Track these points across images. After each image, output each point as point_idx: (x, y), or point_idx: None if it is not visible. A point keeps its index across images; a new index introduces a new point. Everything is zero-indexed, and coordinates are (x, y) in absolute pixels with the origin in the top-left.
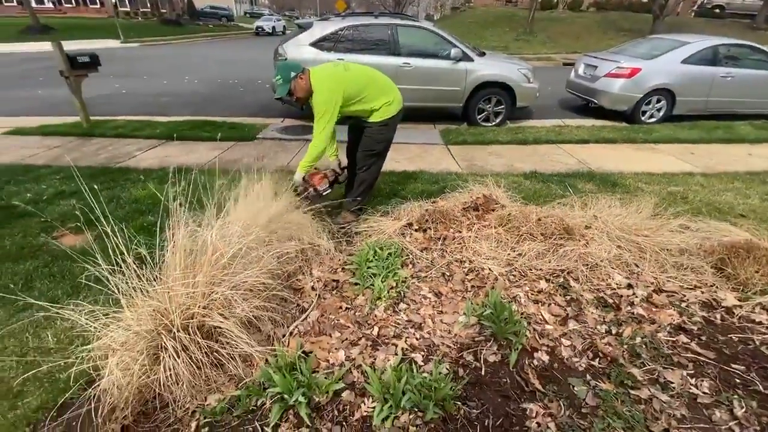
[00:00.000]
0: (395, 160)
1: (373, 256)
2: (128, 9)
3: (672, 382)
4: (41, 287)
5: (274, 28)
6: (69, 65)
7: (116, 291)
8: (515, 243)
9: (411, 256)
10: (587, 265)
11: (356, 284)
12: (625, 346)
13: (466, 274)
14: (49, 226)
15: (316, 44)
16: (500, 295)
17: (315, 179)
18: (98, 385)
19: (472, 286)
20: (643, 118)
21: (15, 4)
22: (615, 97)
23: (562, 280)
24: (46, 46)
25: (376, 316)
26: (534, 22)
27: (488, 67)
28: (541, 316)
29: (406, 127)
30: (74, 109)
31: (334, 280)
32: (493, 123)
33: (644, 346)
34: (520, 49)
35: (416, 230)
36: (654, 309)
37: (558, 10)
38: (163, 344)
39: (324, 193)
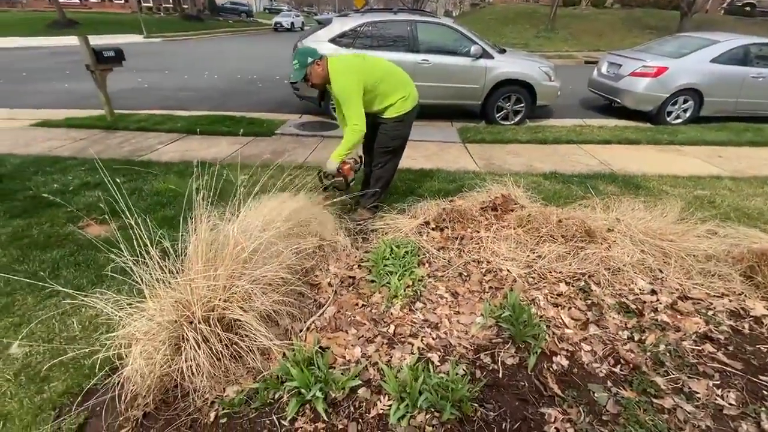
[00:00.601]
0: (412, 158)
1: (390, 254)
2: (151, 5)
3: (697, 392)
4: (67, 275)
5: (292, 23)
6: (95, 59)
7: (140, 282)
8: (535, 245)
9: (428, 255)
10: (609, 269)
11: (372, 282)
12: (648, 354)
13: (484, 275)
14: (74, 216)
15: (335, 40)
16: (519, 297)
17: (345, 169)
18: (122, 373)
19: (490, 287)
20: (668, 119)
21: None
22: (639, 97)
23: (582, 283)
24: (71, 40)
25: (392, 314)
26: (556, 18)
27: (508, 65)
28: (560, 320)
29: (423, 124)
30: (99, 103)
31: (350, 277)
32: (513, 121)
33: (668, 354)
34: (540, 46)
35: (433, 229)
36: (679, 316)
37: (581, 7)
38: (185, 335)
39: (351, 184)
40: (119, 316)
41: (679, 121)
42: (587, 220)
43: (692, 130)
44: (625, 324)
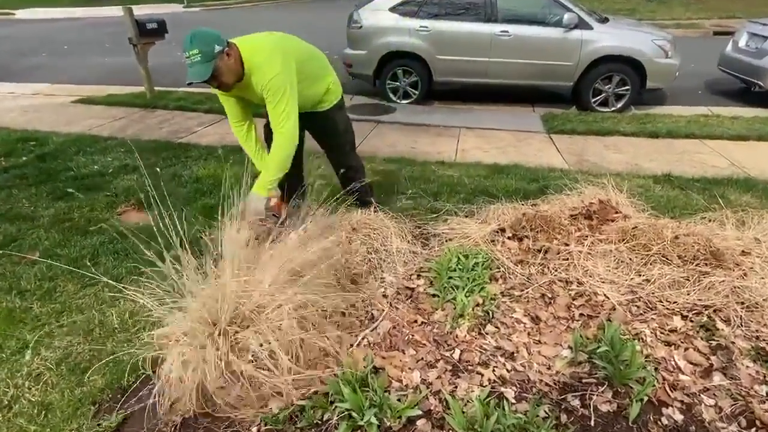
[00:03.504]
0: (483, 150)
1: (456, 265)
2: None
3: None
4: (106, 264)
5: None
6: (137, 32)
7: (177, 283)
8: (641, 265)
9: (502, 269)
10: (743, 303)
11: (434, 296)
12: None
13: (573, 299)
14: (114, 201)
15: (397, 9)
16: (619, 330)
17: (275, 204)
18: (161, 374)
19: (581, 315)
20: None
21: None
22: None
23: (705, 319)
24: (111, 11)
25: (457, 336)
26: None
27: (611, 37)
28: (673, 363)
29: (497, 109)
30: (138, 78)
31: (408, 288)
32: (613, 108)
33: None
34: (652, 13)
35: (510, 238)
36: None
37: None
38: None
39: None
40: (157, 316)
41: None
42: (714, 238)
43: None
44: (764, 376)
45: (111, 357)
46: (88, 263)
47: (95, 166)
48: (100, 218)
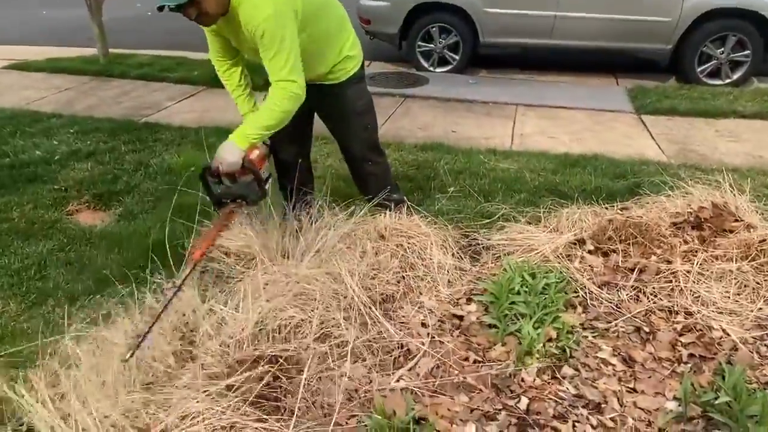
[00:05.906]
0: (548, 135)
1: (521, 286)
2: None
3: None
4: (56, 278)
5: None
6: None
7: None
8: None
9: (582, 294)
10: None
11: (492, 327)
12: None
13: (680, 334)
14: (63, 197)
15: None
16: (744, 376)
17: (253, 158)
18: None
19: (690, 355)
20: None
21: None
22: None
23: None
24: None
25: (524, 380)
26: None
27: None
28: None
29: (566, 80)
30: (89, 37)
31: (455, 316)
32: (728, 80)
33: None
34: None
35: (591, 252)
36: None
37: None
38: None
39: (267, 186)
40: None
41: None
42: None
43: None
44: None
45: None
46: (34, 277)
47: (37, 152)
48: (46, 218)
